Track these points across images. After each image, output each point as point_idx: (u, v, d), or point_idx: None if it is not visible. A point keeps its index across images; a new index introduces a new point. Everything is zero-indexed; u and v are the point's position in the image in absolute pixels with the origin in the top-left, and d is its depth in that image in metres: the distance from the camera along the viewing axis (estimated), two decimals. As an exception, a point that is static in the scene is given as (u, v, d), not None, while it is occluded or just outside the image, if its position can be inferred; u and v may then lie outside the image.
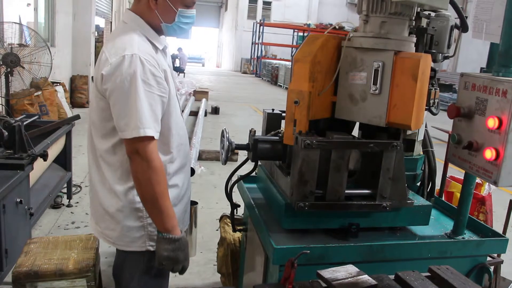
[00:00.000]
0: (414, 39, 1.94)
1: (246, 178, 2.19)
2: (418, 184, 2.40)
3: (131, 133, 1.60)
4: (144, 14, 1.75)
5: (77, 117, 4.80)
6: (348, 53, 1.87)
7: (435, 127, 8.14)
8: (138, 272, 1.84)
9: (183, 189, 1.92)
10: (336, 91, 1.94)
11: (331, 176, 1.75)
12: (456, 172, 3.67)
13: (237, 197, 2.31)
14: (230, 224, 2.40)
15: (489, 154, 1.51)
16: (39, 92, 7.32)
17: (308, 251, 1.52)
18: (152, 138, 1.63)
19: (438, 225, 2.22)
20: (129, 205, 1.75)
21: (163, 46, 1.82)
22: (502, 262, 2.63)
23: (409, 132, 2.18)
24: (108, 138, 1.73)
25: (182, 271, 1.76)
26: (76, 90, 10.90)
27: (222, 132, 1.99)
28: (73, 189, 5.08)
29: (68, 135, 4.64)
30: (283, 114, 2.25)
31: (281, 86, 21.68)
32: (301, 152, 1.70)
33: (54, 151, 4.19)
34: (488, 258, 2.20)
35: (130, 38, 1.67)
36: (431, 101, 2.17)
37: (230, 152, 1.93)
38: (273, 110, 2.33)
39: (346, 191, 1.81)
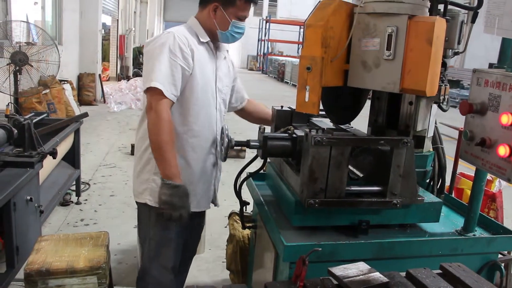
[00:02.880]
0: (428, 4, 1.90)
1: (255, 175, 2.19)
2: (428, 181, 2.38)
3: (145, 85, 1.91)
4: (204, 21, 2.12)
5: (85, 114, 4.82)
6: (361, 19, 1.84)
7: (444, 123, 8.08)
8: (145, 222, 2.13)
9: (198, 166, 2.14)
10: (349, 59, 1.92)
11: (331, 172, 1.75)
12: (466, 169, 3.65)
13: (246, 194, 2.31)
14: (239, 221, 2.40)
15: (502, 150, 1.50)
16: (47, 90, 7.36)
17: (320, 249, 1.52)
18: (164, 96, 1.89)
19: (449, 222, 2.21)
20: (145, 159, 2.07)
21: (207, 40, 2.13)
22: (513, 259, 2.61)
23: (418, 128, 2.17)
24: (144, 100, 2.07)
25: (180, 218, 1.91)
26: (84, 88, 10.95)
27: (222, 129, 2.02)
28: (82, 186, 5.11)
29: (77, 133, 4.67)
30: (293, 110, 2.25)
31: (287, 82, 21.63)
32: (311, 149, 1.70)
33: (63, 148, 4.21)
34: (499, 256, 2.18)
35: (178, 27, 2.08)
36: (441, 97, 2.15)
37: (229, 149, 1.96)
38: (282, 107, 2.32)
39: (356, 188, 1.80)
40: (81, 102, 10.52)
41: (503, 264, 2.32)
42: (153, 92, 1.89)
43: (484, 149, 1.60)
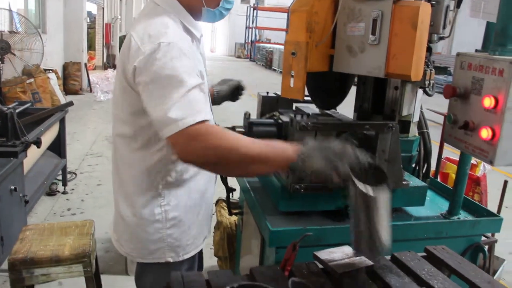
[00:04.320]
0: None
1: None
2: (414, 165, 2.40)
3: (176, 127, 1.31)
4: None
5: (70, 103, 4.77)
6: (346, 4, 1.83)
7: (430, 109, 8.14)
8: (159, 285, 1.68)
9: (207, 192, 1.75)
10: (334, 44, 1.91)
11: None
12: (451, 153, 3.68)
13: (232, 181, 2.30)
14: (226, 208, 2.40)
15: (485, 133, 1.51)
16: (32, 80, 7.26)
17: (311, 233, 1.52)
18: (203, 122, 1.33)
19: (434, 206, 2.23)
20: (148, 217, 1.60)
21: (200, 34, 1.61)
22: (496, 241, 2.66)
23: (404, 113, 2.17)
24: (135, 139, 1.54)
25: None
26: (69, 77, 10.82)
27: None
28: (68, 176, 5.07)
29: (62, 122, 4.62)
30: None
31: (275, 70, 21.57)
32: (296, 134, 1.69)
33: (47, 138, 4.16)
34: (483, 238, 2.21)
35: (164, 23, 1.44)
36: (426, 82, 2.16)
37: None
38: (267, 93, 2.31)
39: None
40: (67, 91, 10.39)
41: (486, 247, 2.36)
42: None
43: (467, 132, 1.61)
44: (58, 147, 4.66)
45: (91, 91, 11.38)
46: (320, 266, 1.46)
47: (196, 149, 1.30)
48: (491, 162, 1.49)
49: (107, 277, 3.19)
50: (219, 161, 1.32)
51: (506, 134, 1.47)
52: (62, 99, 8.50)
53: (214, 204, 1.95)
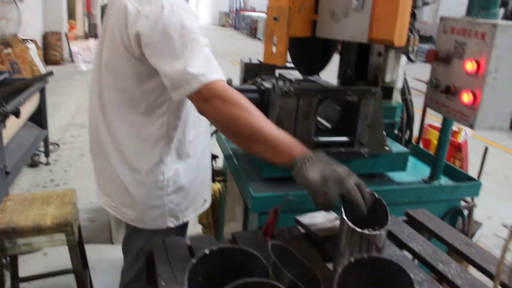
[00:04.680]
0: None
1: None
2: (396, 132, 2.41)
3: (198, 82, 1.30)
4: None
5: (50, 73, 4.67)
6: None
7: (414, 78, 8.17)
8: (142, 245, 1.72)
9: (204, 157, 1.74)
10: (317, 9, 1.88)
11: (299, 123, 1.74)
12: (434, 121, 3.71)
13: (215, 149, 2.29)
14: (210, 176, 2.40)
15: (466, 97, 1.51)
16: (10, 50, 7.07)
17: (292, 197, 1.53)
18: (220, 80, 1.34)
19: (416, 172, 2.25)
20: (151, 184, 1.59)
21: None
22: (475, 206, 2.71)
23: (387, 80, 2.17)
24: (136, 105, 1.50)
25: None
26: (50, 47, 10.56)
27: None
28: (51, 147, 5.00)
29: (42, 93, 4.53)
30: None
31: (260, 39, 21.33)
32: (278, 100, 1.68)
33: (27, 109, 4.09)
34: (462, 203, 2.25)
35: None
36: (410, 48, 2.15)
37: None
38: (250, 60, 2.28)
39: (324, 139, 1.80)
40: (48, 61, 10.16)
41: (466, 211, 2.40)
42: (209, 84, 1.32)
43: (449, 96, 1.61)
44: (39, 118, 4.58)
45: (72, 61, 11.15)
46: (302, 230, 1.47)
47: (217, 107, 1.30)
48: (471, 126, 1.50)
49: (92, 246, 3.20)
50: (230, 127, 1.33)
51: (486, 98, 1.48)
52: (43, 69, 8.31)
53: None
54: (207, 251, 0.84)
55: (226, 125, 1.34)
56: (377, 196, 1.22)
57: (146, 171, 1.57)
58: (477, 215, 3.00)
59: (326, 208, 1.17)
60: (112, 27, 1.44)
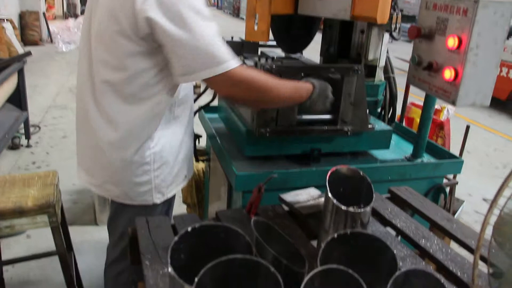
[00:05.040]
0: None
1: (206, 108, 2.15)
2: (379, 110, 2.41)
3: (215, 70, 1.35)
4: None
5: (28, 53, 4.57)
6: None
7: (397, 57, 8.20)
8: (127, 223, 1.69)
9: (187, 133, 1.76)
10: None
11: None
12: (417, 100, 3.73)
13: (198, 128, 2.28)
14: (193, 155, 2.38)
15: (448, 74, 1.51)
16: (-15, 29, 6.89)
17: (276, 175, 1.53)
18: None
19: (398, 150, 2.27)
20: (138, 160, 1.59)
21: None
22: (457, 183, 2.75)
23: (370, 57, 2.16)
24: (129, 83, 1.49)
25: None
26: (27, 27, 10.31)
27: None
28: (32, 129, 4.93)
29: (21, 73, 4.42)
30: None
31: (243, 19, 21.08)
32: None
33: (5, 90, 4.01)
34: (444, 180, 2.28)
35: None
36: (393, 26, 2.14)
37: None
38: (232, 38, 2.25)
39: (307, 117, 1.80)
40: (26, 42, 9.93)
41: (447, 188, 2.44)
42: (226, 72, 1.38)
43: (431, 73, 1.62)
44: (18, 99, 4.48)
45: (51, 42, 10.90)
46: (286, 208, 1.47)
47: (240, 90, 1.43)
48: (453, 103, 1.51)
49: (76, 228, 3.18)
50: (255, 100, 1.49)
51: (468, 74, 1.48)
52: (21, 50, 8.12)
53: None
54: (189, 229, 0.83)
55: (252, 99, 1.50)
56: (361, 173, 1.22)
57: (135, 148, 1.56)
58: (459, 192, 3.05)
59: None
60: (112, 6, 1.39)
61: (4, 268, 2.45)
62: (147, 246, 1.20)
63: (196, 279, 0.72)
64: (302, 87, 1.61)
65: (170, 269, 0.78)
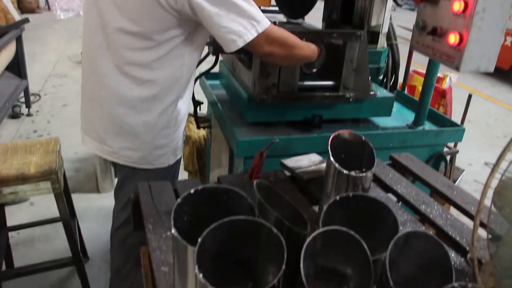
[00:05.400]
0: None
1: (207, 74, 2.13)
2: (381, 77, 2.40)
3: (252, 33, 1.42)
4: None
5: (26, 20, 4.50)
6: None
7: (399, 25, 8.09)
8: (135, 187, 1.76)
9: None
10: None
11: (284, 67, 1.72)
12: (419, 68, 3.70)
13: (199, 95, 2.27)
14: (194, 122, 2.38)
15: (452, 38, 1.49)
16: (-20, -4, 6.78)
17: (278, 140, 1.53)
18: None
19: (400, 117, 2.26)
20: (164, 123, 1.63)
21: None
22: (457, 152, 2.75)
23: (373, 24, 2.13)
24: (155, 50, 1.50)
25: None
26: (24, -5, 10.15)
27: None
28: (32, 98, 4.91)
29: (19, 41, 4.38)
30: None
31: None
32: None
33: (4, 57, 3.97)
34: (445, 149, 2.28)
35: None
36: (397, -9, 2.11)
37: None
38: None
39: (309, 83, 1.79)
40: (23, 10, 9.78)
41: (448, 157, 2.44)
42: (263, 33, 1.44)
43: (435, 38, 1.60)
44: (17, 67, 4.44)
45: (49, 9, 10.75)
46: (288, 173, 1.48)
47: (277, 47, 1.49)
48: (457, 68, 1.49)
49: (78, 196, 3.21)
50: (288, 56, 1.55)
51: (473, 39, 1.46)
52: (18, 17, 7.99)
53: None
54: (192, 191, 0.83)
55: (285, 56, 1.55)
56: (363, 138, 1.22)
57: (159, 111, 1.59)
58: (459, 161, 3.06)
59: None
60: None
61: (10, 234, 2.48)
62: (150, 210, 1.21)
63: (199, 240, 0.73)
64: (315, 48, 1.67)
65: (173, 230, 0.78)
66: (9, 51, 4.15)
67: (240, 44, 1.42)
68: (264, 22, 1.43)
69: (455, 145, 2.78)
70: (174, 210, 0.81)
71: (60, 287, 2.45)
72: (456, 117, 2.45)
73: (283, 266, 0.72)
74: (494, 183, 0.93)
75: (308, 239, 0.76)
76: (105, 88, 1.58)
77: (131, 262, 2.01)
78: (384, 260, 0.78)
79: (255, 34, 1.42)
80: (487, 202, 0.95)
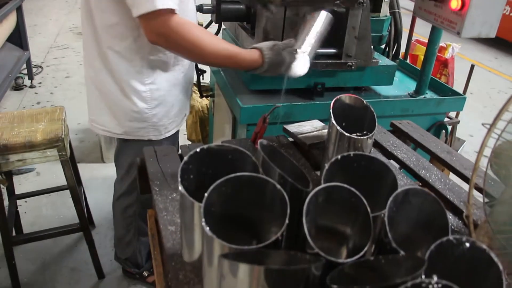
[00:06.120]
0: None
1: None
2: (384, 46, 2.40)
3: (139, 10, 1.37)
4: None
5: (26, -10, 4.46)
6: None
7: (404, -4, 7.97)
8: (133, 158, 1.85)
9: (188, 69, 1.82)
10: None
11: (286, 34, 1.72)
12: (421, 39, 3.68)
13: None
14: (197, 92, 2.40)
15: (454, 4, 1.50)
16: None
17: (280, 105, 1.55)
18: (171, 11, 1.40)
19: (402, 86, 2.27)
20: (133, 93, 1.66)
21: None
22: (458, 122, 2.77)
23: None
24: (131, 30, 1.55)
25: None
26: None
27: None
28: (34, 69, 4.91)
29: (19, 11, 4.35)
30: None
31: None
32: (265, 10, 1.65)
33: (5, 28, 3.96)
34: (447, 119, 2.30)
35: None
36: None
37: None
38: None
39: (311, 51, 1.79)
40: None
41: (450, 127, 2.46)
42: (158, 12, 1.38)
43: (437, 3, 1.60)
44: (19, 38, 4.44)
45: (49, -20, 10.60)
46: (290, 139, 1.51)
47: (163, 34, 1.39)
48: (458, 34, 1.50)
49: (83, 165, 3.25)
50: (183, 52, 1.47)
51: (475, 4, 1.47)
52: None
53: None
54: (198, 149, 0.86)
55: (178, 50, 1.47)
56: (365, 102, 1.24)
57: (127, 78, 1.64)
58: (460, 133, 3.08)
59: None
60: None
61: (18, 203, 2.54)
62: (156, 173, 1.24)
63: (205, 195, 0.76)
64: (245, 58, 1.54)
65: (180, 187, 0.82)
66: (10, 22, 4.13)
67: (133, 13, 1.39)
68: (162, 3, 1.34)
69: (457, 116, 2.80)
70: (180, 168, 0.84)
71: (68, 252, 2.51)
72: (458, 88, 2.45)
73: (286, 221, 0.75)
74: (491, 143, 0.96)
75: (311, 194, 0.79)
76: (86, 56, 1.69)
77: (133, 230, 2.08)
78: (383, 217, 0.81)
79: (146, 10, 1.35)
80: (484, 164, 0.98)
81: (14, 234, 2.44)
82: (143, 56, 1.61)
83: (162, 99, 1.71)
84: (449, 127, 2.49)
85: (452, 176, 1.48)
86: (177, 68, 1.73)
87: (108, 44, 1.60)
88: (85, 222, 2.19)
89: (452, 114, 2.75)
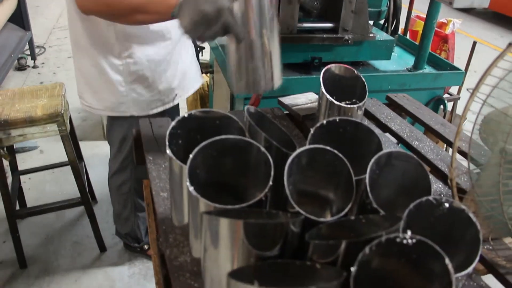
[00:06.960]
0: None
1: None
2: (383, 21, 2.39)
3: None
4: None
5: (26, -31, 4.45)
6: None
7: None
8: (123, 135, 1.88)
9: (176, 49, 1.78)
10: None
11: (283, 8, 1.72)
12: (421, 14, 3.64)
13: (201, 41, 2.28)
14: (197, 69, 2.41)
15: (449, -26, 1.49)
16: None
17: None
18: None
19: (401, 61, 2.27)
20: (108, 67, 1.68)
21: None
22: (459, 98, 2.77)
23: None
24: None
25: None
26: None
27: None
28: (37, 50, 4.92)
29: (20, -9, 4.35)
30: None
31: None
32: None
33: (6, 8, 3.96)
34: (447, 95, 2.30)
35: None
36: None
37: None
38: None
39: (308, 25, 1.79)
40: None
41: (451, 103, 2.46)
42: None
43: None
44: (20, 19, 4.43)
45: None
46: (285, 111, 1.52)
47: (88, 1, 1.35)
48: (450, 4, 1.50)
49: (85, 143, 3.28)
50: (108, 12, 1.36)
51: (469, -26, 1.46)
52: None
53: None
54: (186, 115, 0.88)
55: (104, 11, 1.37)
56: (356, 72, 1.25)
57: (98, 52, 1.64)
58: (460, 110, 3.07)
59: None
60: None
61: (22, 179, 2.58)
62: (150, 142, 1.27)
63: (190, 156, 0.78)
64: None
65: (168, 151, 0.83)
66: (11, 2, 4.13)
67: None
68: None
69: (459, 92, 2.79)
70: (168, 133, 0.86)
71: (71, 226, 2.56)
72: (461, 66, 2.44)
73: (270, 182, 0.77)
74: (476, 108, 0.97)
75: (293, 155, 0.80)
76: (70, 32, 1.71)
77: (130, 206, 2.12)
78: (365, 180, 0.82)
79: None
80: (468, 134, 1.00)
81: (18, 208, 2.48)
82: (118, 30, 1.60)
83: (141, 73, 1.70)
84: (450, 104, 2.49)
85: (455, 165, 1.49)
86: (159, 44, 1.69)
87: (81, 18, 1.60)
88: (86, 196, 2.23)
89: (454, 91, 2.75)
